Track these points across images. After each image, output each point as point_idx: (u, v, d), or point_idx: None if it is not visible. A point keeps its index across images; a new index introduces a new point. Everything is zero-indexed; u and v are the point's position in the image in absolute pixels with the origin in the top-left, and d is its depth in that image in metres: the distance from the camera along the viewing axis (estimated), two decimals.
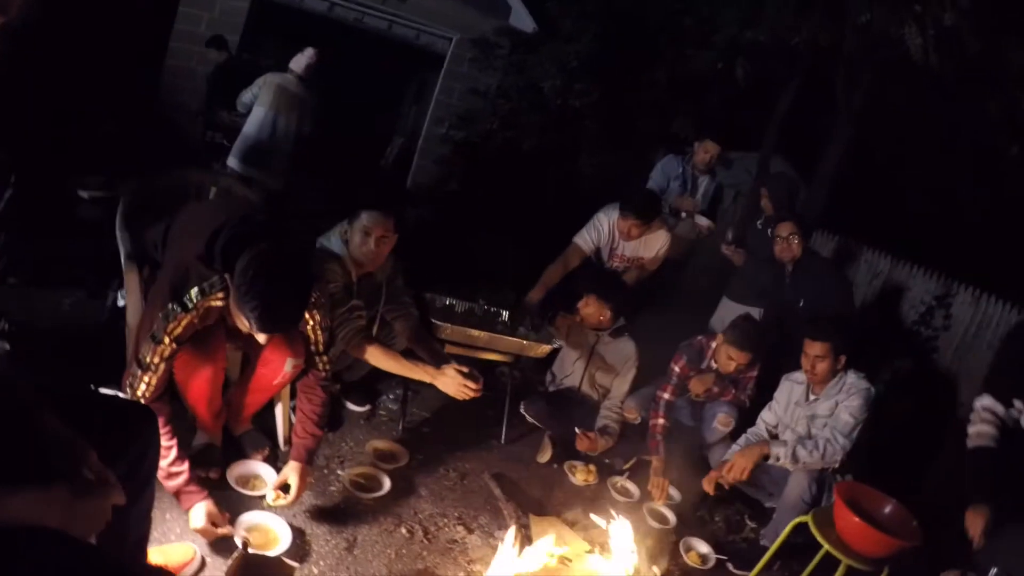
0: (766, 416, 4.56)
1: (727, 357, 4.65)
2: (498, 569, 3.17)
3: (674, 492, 4.55)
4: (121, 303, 4.10)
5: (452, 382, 3.82)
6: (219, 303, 2.85)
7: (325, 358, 3.33)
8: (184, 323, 2.82)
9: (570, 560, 3.33)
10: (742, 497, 4.41)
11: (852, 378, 4.18)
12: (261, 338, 2.90)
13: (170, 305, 2.79)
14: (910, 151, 9.58)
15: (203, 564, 2.97)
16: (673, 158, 6.53)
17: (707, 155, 6.36)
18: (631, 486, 4.55)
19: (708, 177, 6.49)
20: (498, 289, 5.16)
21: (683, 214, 6.33)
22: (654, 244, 5.58)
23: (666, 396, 4.77)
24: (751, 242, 6.11)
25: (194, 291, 2.80)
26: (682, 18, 9.05)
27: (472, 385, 3.81)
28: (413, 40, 11.35)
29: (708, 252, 6.52)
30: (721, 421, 4.81)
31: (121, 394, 2.85)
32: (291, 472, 3.24)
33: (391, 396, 4.72)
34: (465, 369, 3.85)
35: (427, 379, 3.89)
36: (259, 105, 6.71)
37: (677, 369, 4.83)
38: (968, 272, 6.65)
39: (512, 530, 3.37)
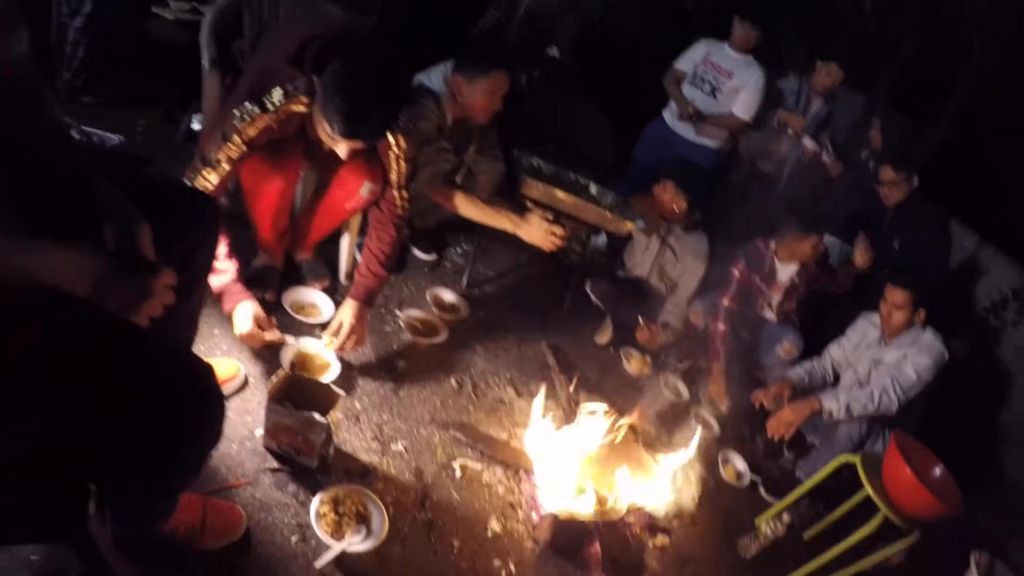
0: (833, 351, 4.41)
1: (812, 248, 4.57)
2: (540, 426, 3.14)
3: (723, 403, 4.43)
4: (196, 127, 4.01)
5: (537, 230, 3.71)
6: (301, 108, 2.69)
7: (404, 194, 3.17)
8: (260, 125, 2.67)
9: (616, 443, 3.24)
10: None
11: (929, 336, 3.97)
12: (342, 149, 2.75)
13: (247, 104, 2.65)
14: None
15: (246, 382, 2.94)
16: (790, 73, 6.19)
17: (829, 79, 5.98)
18: (682, 387, 4.42)
19: (822, 101, 6.14)
20: (586, 162, 4.96)
21: (789, 131, 6.03)
22: (750, 73, 5.55)
23: (726, 303, 4.64)
24: (852, 171, 5.83)
25: (276, 92, 2.64)
26: None
27: (558, 231, 3.70)
28: None
29: (804, 176, 6.20)
30: (785, 349, 4.67)
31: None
32: (347, 311, 3.15)
33: (459, 249, 4.62)
34: (550, 216, 3.73)
35: (510, 227, 3.76)
36: None
37: (737, 273, 4.69)
38: None
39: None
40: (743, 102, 5.51)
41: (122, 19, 4.67)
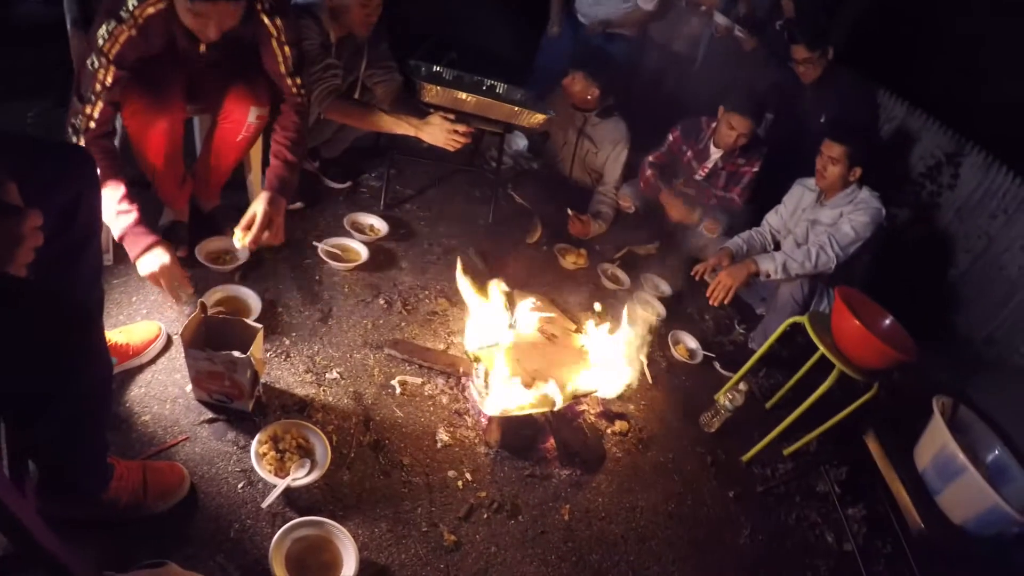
0: (771, 219, 4.38)
1: (728, 127, 4.44)
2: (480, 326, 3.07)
3: (664, 286, 4.42)
4: None
5: (438, 130, 3.64)
6: (160, 5, 2.57)
7: (297, 79, 3.06)
8: (122, 39, 2.55)
9: (556, 336, 3.18)
10: (733, 301, 4.07)
11: (865, 194, 3.95)
12: (211, 29, 2.63)
13: (104, 24, 2.52)
14: None
15: (169, 341, 2.82)
16: None
17: None
18: (622, 274, 4.40)
19: None
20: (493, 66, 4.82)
21: (702, 7, 5.90)
22: None
23: (651, 158, 4.71)
24: (767, 44, 5.74)
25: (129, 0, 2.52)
26: None
27: (461, 129, 3.63)
28: None
29: (720, 54, 6.10)
30: (707, 227, 4.64)
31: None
32: (259, 202, 2.99)
33: (373, 174, 4.47)
34: (451, 116, 3.64)
35: (411, 131, 3.68)
36: None
37: (671, 138, 4.73)
38: (983, 134, 6.29)
39: (496, 289, 3.23)
40: None
41: None
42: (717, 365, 3.97)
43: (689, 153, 4.71)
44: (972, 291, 5.60)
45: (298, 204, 3.91)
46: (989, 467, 3.23)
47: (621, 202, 4.74)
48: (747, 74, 5.67)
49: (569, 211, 4.47)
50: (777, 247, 4.32)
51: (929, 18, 8.51)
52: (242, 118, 3.07)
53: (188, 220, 3.39)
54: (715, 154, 4.65)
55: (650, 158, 4.66)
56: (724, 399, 3.43)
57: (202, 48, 2.80)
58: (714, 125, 4.57)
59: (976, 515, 2.92)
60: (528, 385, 2.81)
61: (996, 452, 3.28)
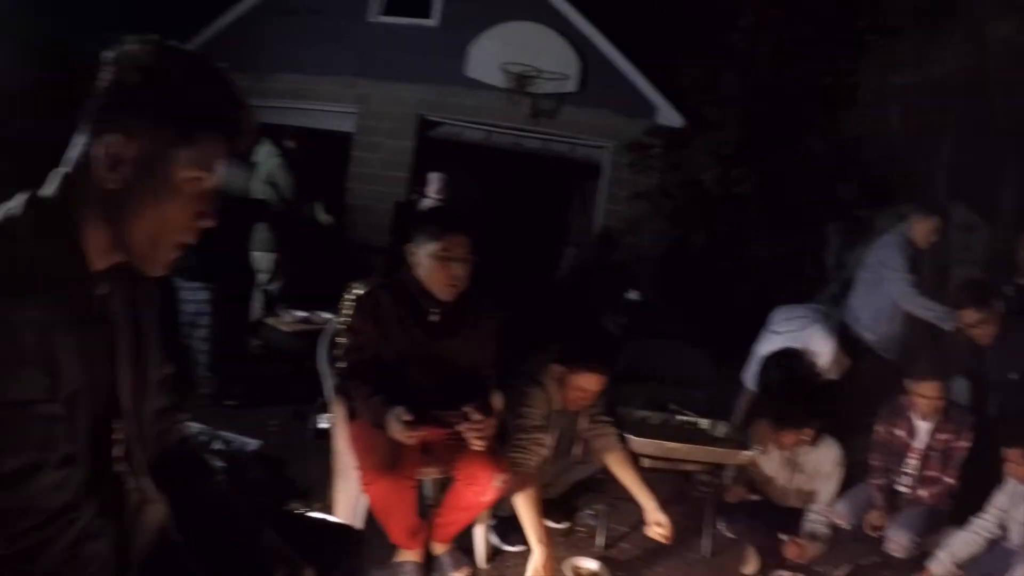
0: (999, 501, 4.04)
1: (919, 395, 4.43)
2: None
3: None
4: (322, 425, 4.38)
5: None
6: None
7: None
8: None
9: None
10: None
11: None
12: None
13: None
14: None
15: None
16: (902, 237, 6.01)
17: (936, 230, 5.99)
18: None
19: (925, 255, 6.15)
20: (689, 394, 5.05)
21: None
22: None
23: (873, 463, 4.67)
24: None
25: None
26: (822, 79, 8.86)
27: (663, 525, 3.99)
28: (569, 154, 11.76)
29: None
30: (892, 547, 4.40)
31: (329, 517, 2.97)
32: None
33: (589, 511, 4.65)
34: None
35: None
36: None
37: (880, 430, 4.68)
38: None
39: None
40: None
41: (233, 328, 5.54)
42: None
43: (902, 433, 4.64)
44: None
45: (520, 547, 4.12)
46: None
47: (836, 519, 4.66)
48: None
49: (783, 536, 4.47)
50: None
51: None
52: (487, 483, 3.39)
53: (423, 561, 3.63)
54: (923, 427, 4.56)
55: (872, 462, 4.65)
56: None
57: None
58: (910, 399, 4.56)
59: None
60: None
61: None
